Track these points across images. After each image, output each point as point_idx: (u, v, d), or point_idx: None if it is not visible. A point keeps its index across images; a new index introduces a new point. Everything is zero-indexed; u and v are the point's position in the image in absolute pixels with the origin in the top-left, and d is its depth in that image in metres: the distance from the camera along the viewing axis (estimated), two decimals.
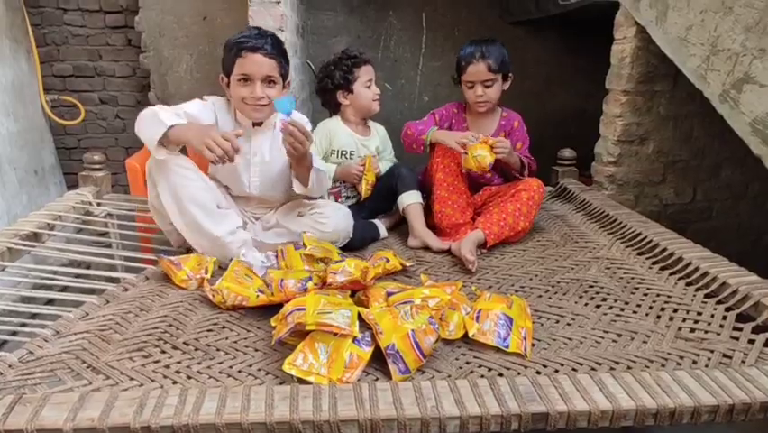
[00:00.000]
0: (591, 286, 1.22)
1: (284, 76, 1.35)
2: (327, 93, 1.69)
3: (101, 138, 3.00)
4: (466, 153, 1.45)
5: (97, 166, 1.73)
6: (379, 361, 0.91)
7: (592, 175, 2.09)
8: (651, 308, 1.10)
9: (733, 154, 2.04)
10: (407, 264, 1.36)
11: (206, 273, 1.21)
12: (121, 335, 0.99)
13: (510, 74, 1.61)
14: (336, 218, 1.40)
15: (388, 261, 1.30)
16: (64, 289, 1.34)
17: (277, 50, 1.31)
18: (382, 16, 2.76)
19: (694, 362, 0.92)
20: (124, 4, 2.79)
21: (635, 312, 1.09)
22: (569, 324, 1.07)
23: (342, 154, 1.67)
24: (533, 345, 0.98)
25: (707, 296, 1.12)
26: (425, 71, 2.88)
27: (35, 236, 1.38)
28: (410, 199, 1.57)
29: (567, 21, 2.47)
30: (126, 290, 1.20)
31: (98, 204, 1.65)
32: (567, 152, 2.05)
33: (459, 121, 1.67)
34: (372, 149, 1.73)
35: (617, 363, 0.92)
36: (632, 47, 1.81)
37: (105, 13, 2.81)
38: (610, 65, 1.95)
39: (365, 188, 1.63)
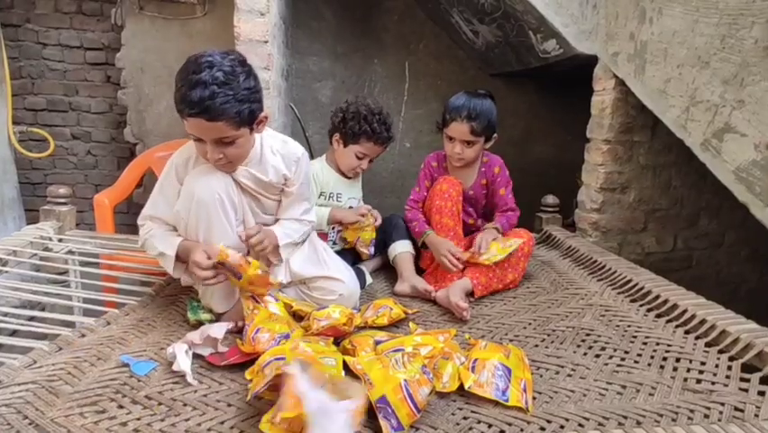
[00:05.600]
0: (588, 334, 1.17)
1: (247, 121, 1.05)
2: (332, 123, 1.61)
3: (70, 174, 2.88)
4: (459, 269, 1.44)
5: (62, 200, 1.62)
6: (367, 416, 0.82)
7: (575, 222, 2.10)
8: (652, 357, 1.05)
9: (708, 204, 2.08)
10: (411, 312, 1.29)
11: None
12: (72, 386, 0.87)
13: (495, 134, 1.55)
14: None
15: (392, 309, 1.23)
16: (14, 333, 1.20)
17: (223, 106, 0.97)
18: (367, 63, 2.81)
19: (706, 416, 0.85)
20: (106, 41, 2.77)
21: (636, 362, 1.04)
22: (569, 375, 1.00)
23: (330, 197, 1.61)
24: (534, 398, 0.91)
25: (707, 344, 1.08)
26: (407, 118, 2.92)
27: None
28: (402, 248, 1.57)
29: (546, 73, 2.57)
30: (83, 335, 1.08)
31: (59, 240, 1.52)
32: (550, 199, 2.05)
33: (440, 172, 1.63)
34: (359, 190, 1.69)
35: (626, 417, 0.85)
36: (611, 98, 1.86)
37: (86, 50, 2.78)
38: (586, 116, 2.00)
39: (353, 239, 1.58)
